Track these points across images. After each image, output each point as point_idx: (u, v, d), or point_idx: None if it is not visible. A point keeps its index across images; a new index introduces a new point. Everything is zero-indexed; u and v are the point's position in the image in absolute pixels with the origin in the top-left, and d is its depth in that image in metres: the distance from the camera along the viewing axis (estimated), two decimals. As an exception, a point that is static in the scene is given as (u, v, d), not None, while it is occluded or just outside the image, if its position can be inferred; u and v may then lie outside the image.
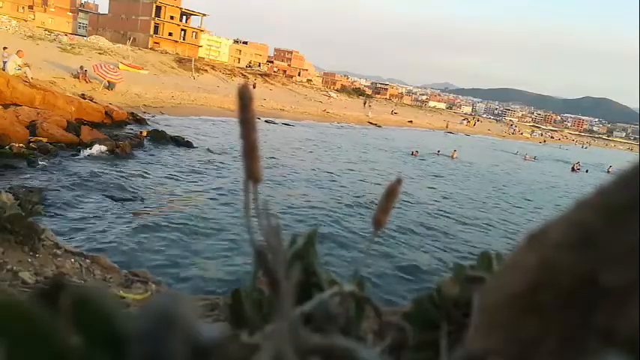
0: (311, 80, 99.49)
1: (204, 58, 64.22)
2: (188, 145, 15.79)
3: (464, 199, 15.64)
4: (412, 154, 25.75)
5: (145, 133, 15.36)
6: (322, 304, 0.47)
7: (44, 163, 10.13)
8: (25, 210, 2.42)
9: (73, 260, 2.45)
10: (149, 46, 59.56)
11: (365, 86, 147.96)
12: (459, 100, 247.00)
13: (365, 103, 64.09)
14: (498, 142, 58.67)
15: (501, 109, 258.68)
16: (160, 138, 15.49)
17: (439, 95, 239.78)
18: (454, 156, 28.06)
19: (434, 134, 49.88)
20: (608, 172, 37.48)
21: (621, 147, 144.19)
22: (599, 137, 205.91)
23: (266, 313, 0.54)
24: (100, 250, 6.25)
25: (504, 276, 0.38)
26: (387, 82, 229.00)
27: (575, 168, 36.73)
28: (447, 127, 59.19)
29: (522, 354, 0.33)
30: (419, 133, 46.32)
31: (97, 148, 11.92)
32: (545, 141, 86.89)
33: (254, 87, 49.11)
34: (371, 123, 45.50)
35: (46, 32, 41.12)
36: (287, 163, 16.36)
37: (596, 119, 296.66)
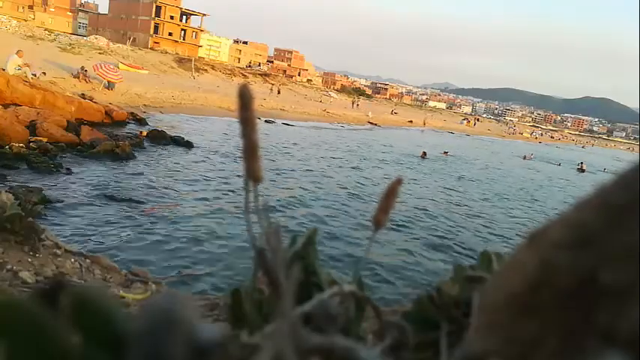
0: (311, 80, 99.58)
1: (204, 58, 64.25)
2: (188, 144, 15.78)
3: (469, 198, 15.65)
4: (421, 155, 25.42)
5: (144, 133, 15.35)
6: (322, 304, 0.47)
7: (44, 163, 10.11)
8: (25, 210, 2.42)
9: (73, 260, 2.45)
10: (149, 46, 59.59)
11: (365, 86, 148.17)
12: (459, 100, 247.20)
13: (353, 103, 61.74)
14: (502, 142, 58.73)
15: (501, 109, 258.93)
16: (159, 138, 15.47)
17: (439, 95, 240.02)
18: (447, 154, 28.19)
19: (434, 134, 49.91)
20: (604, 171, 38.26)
21: (621, 147, 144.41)
22: (599, 137, 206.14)
23: (266, 313, 0.54)
24: (100, 250, 6.25)
25: (504, 276, 0.38)
26: (387, 82, 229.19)
27: (582, 168, 37.13)
28: (424, 124, 58.37)
29: (523, 354, 0.33)
30: (416, 133, 46.33)
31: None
32: (537, 138, 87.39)
33: (278, 92, 48.89)
34: (371, 123, 45.52)
35: (46, 32, 41.13)
36: (288, 163, 16.36)
37: (596, 119, 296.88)
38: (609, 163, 46.37)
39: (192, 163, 13.72)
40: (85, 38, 46.68)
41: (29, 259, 2.25)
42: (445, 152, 28.72)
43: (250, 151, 0.43)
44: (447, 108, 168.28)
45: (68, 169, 10.27)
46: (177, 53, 57.49)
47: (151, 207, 9.05)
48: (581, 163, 38.87)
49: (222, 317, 1.47)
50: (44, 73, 20.19)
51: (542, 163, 38.77)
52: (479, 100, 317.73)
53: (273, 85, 54.42)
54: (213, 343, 0.31)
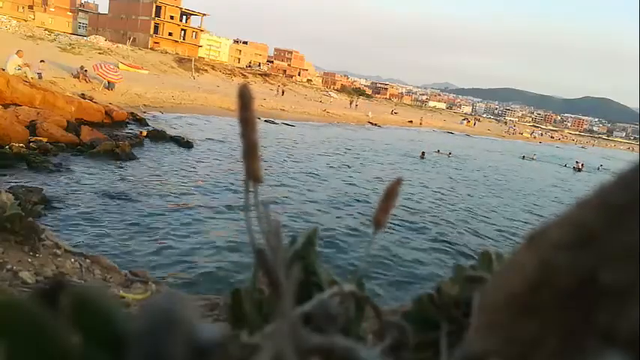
0: (311, 80, 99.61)
1: (204, 58, 64.25)
2: (188, 144, 15.78)
3: (471, 199, 15.65)
4: (420, 156, 25.36)
5: (144, 133, 15.35)
6: (322, 304, 0.47)
7: (44, 163, 10.10)
8: (25, 210, 2.42)
9: (73, 260, 2.45)
10: (149, 46, 59.59)
11: (365, 86, 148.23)
12: (459, 100, 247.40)
13: (351, 103, 61.04)
14: (502, 142, 58.76)
15: (501, 109, 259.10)
16: (159, 138, 15.48)
17: (439, 95, 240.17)
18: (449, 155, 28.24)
19: (434, 134, 49.91)
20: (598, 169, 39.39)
21: (621, 147, 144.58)
22: (599, 137, 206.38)
23: (266, 313, 0.54)
24: (100, 250, 6.25)
25: (504, 276, 0.38)
26: (387, 82, 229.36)
27: (579, 167, 37.28)
28: (420, 124, 57.98)
29: (523, 354, 0.33)
30: (416, 133, 46.32)
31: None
32: (536, 138, 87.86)
33: (282, 93, 49.12)
34: (371, 123, 45.53)
35: (46, 32, 41.13)
36: (287, 163, 16.37)
37: (596, 119, 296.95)
38: (607, 163, 46.43)
39: (192, 162, 13.73)
40: (85, 38, 46.67)
41: (29, 259, 2.25)
42: (438, 151, 28.72)
43: (250, 151, 0.43)
44: (447, 108, 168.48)
45: (68, 169, 10.27)
46: (177, 53, 57.50)
47: (152, 207, 9.05)
48: (577, 162, 39.01)
49: (222, 317, 1.47)
50: (42, 61, 20.37)
51: (545, 163, 38.83)
52: (479, 100, 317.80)
53: (279, 86, 54.43)
54: (213, 343, 0.31)
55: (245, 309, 0.56)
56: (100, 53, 37.31)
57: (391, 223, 9.74)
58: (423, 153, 25.70)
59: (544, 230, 0.35)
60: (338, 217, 10.55)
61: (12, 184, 8.21)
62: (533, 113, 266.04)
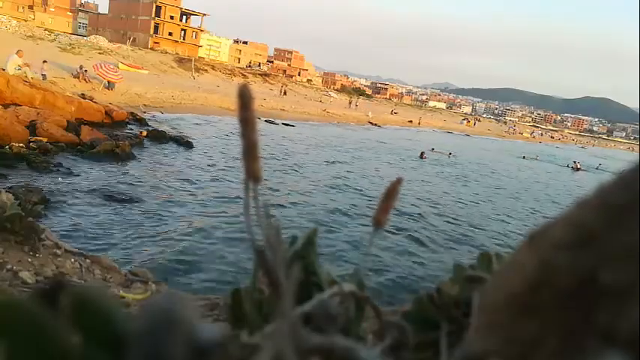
0: (311, 80, 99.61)
1: (204, 58, 64.25)
2: (188, 144, 15.78)
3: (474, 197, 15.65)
4: (420, 156, 25.33)
5: (144, 133, 15.35)
6: (322, 304, 0.47)
7: (44, 163, 10.10)
8: (25, 210, 2.42)
9: (73, 260, 2.45)
10: (149, 46, 59.59)
11: (365, 86, 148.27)
12: (459, 100, 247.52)
13: (350, 103, 60.12)
14: (502, 142, 58.75)
15: (501, 109, 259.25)
16: (159, 138, 15.48)
17: (439, 95, 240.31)
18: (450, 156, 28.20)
19: (434, 134, 49.90)
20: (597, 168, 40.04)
21: (621, 147, 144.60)
22: (599, 137, 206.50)
23: (266, 313, 0.54)
24: (99, 250, 6.25)
25: (504, 276, 0.38)
26: (387, 82, 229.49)
27: (577, 167, 37.30)
28: (419, 123, 57.28)
29: (523, 354, 0.33)
30: (416, 133, 46.32)
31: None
32: (536, 138, 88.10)
33: (285, 94, 49.25)
34: (371, 123, 45.51)
35: (46, 32, 41.12)
36: (287, 163, 16.36)
37: (596, 119, 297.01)
38: (607, 163, 46.43)
39: (192, 162, 13.72)
40: (85, 38, 46.66)
41: (29, 259, 2.25)
42: (433, 149, 28.72)
43: (250, 150, 0.43)
44: (447, 108, 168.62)
45: (68, 169, 10.27)
46: (177, 53, 57.50)
47: (151, 206, 9.05)
48: (575, 162, 38.96)
49: (222, 317, 1.47)
50: (45, 62, 20.57)
51: (545, 163, 38.84)
52: (479, 100, 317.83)
53: (281, 86, 54.43)
54: (213, 343, 0.31)
55: (245, 309, 0.56)
56: (100, 53, 37.31)
57: (390, 222, 9.74)
58: (423, 153, 25.68)
59: (544, 230, 0.35)
60: (337, 217, 10.55)
61: (12, 184, 8.21)
62: (533, 113, 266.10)
